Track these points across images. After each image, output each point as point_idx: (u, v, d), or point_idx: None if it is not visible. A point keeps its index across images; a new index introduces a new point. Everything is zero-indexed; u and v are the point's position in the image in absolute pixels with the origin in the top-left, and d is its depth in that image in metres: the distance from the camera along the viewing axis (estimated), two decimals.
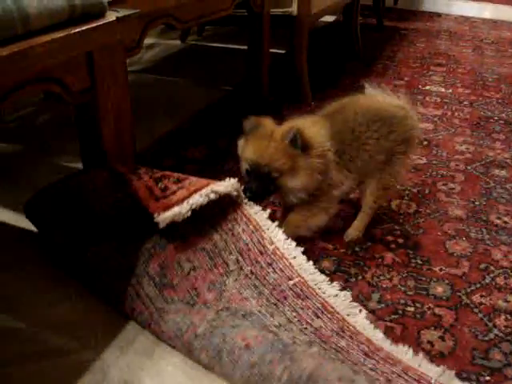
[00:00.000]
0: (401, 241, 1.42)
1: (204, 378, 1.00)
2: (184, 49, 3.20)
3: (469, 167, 1.84)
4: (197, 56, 3.12)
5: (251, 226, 1.15)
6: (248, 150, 1.24)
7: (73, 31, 0.94)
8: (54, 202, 1.30)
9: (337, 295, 1.09)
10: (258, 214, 1.18)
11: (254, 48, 2.10)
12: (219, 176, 1.65)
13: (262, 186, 1.23)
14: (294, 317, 1.05)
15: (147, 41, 2.04)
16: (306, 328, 1.03)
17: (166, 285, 1.12)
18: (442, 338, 1.11)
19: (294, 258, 1.13)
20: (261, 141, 1.22)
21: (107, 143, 1.16)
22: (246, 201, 1.19)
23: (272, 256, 1.12)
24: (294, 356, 0.92)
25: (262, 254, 1.13)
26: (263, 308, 1.07)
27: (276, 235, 1.15)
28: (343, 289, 1.16)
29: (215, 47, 3.28)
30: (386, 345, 1.01)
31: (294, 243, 1.15)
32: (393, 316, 1.17)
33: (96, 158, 1.19)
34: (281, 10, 2.14)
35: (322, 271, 1.28)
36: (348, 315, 1.06)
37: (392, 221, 1.51)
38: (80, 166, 1.34)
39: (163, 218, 1.10)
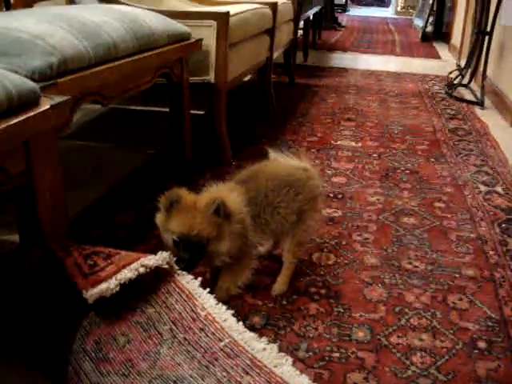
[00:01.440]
0: (323, 291, 1.54)
1: None
2: (105, 113, 3.27)
3: (380, 217, 2.01)
4: (118, 119, 3.20)
5: (184, 296, 1.20)
6: (174, 223, 1.31)
7: (12, 122, 1.01)
8: None
9: (264, 349, 1.14)
10: (189, 283, 1.23)
11: (176, 113, 2.21)
12: (151, 240, 1.75)
13: (193, 254, 1.30)
14: (224, 376, 1.09)
15: None
16: None
17: (101, 359, 1.15)
18: (366, 379, 1.22)
19: (225, 320, 1.18)
20: (186, 213, 1.30)
21: (43, 220, 1.21)
22: (178, 271, 1.24)
23: (204, 321, 1.17)
24: None
25: (194, 320, 1.17)
26: (194, 371, 1.11)
27: (207, 301, 1.20)
28: (273, 341, 1.25)
29: (136, 110, 3.37)
30: None
31: (224, 307, 1.20)
32: (320, 363, 1.27)
33: (33, 235, 1.24)
34: (199, 78, 2.27)
35: (253, 326, 1.37)
36: (275, 366, 1.11)
37: (314, 273, 1.63)
38: (13, 238, 1.38)
39: (90, 294, 1.13)
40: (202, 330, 1.17)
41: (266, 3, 3.00)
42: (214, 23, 2.21)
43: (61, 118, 1.18)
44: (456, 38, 6.29)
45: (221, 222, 1.30)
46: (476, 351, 1.32)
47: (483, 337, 1.37)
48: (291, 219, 1.48)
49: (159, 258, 1.20)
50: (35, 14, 1.54)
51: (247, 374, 1.10)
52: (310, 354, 1.30)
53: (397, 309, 1.47)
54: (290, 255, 1.53)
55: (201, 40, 2.14)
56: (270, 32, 3.13)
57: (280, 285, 1.53)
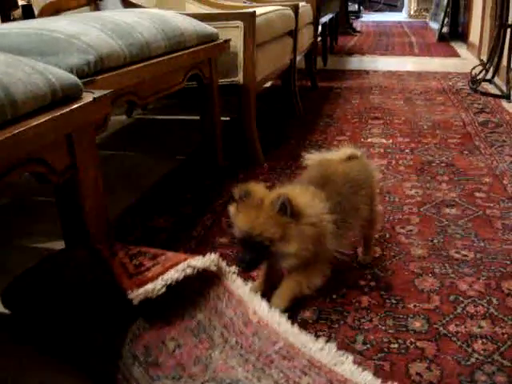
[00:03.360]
0: (373, 284, 1.49)
1: None
2: (131, 123, 3.28)
3: (421, 209, 1.96)
4: (145, 129, 3.20)
5: (234, 301, 1.17)
6: (239, 220, 1.25)
7: (57, 113, 0.99)
8: (34, 286, 1.28)
9: (322, 349, 1.09)
10: (240, 287, 1.19)
11: (206, 117, 2.19)
12: (189, 242, 1.72)
13: (255, 255, 1.25)
14: (282, 377, 1.04)
15: None
16: None
17: (151, 364, 1.11)
18: (428, 369, 1.17)
19: (279, 324, 1.13)
20: (251, 210, 1.22)
21: (89, 219, 1.19)
22: (228, 275, 1.21)
23: (256, 326, 1.13)
24: None
25: (246, 325, 1.13)
26: (250, 373, 1.06)
27: (260, 306, 1.16)
28: (327, 335, 1.22)
29: (161, 119, 3.38)
30: None
31: (277, 311, 1.16)
32: (380, 354, 1.22)
33: (78, 235, 1.22)
34: (228, 79, 2.25)
35: (305, 321, 1.33)
36: (335, 365, 1.06)
37: (361, 266, 1.58)
38: (51, 246, 1.35)
39: (136, 294, 1.10)
40: (254, 334, 1.12)
41: (287, 5, 2.99)
42: (240, 24, 2.19)
43: (102, 111, 1.17)
44: (474, 35, 6.21)
45: (288, 222, 1.22)
46: None
47: None
48: (367, 217, 1.47)
49: (207, 260, 1.16)
50: (67, 18, 1.53)
51: (306, 374, 1.05)
52: (368, 346, 1.25)
53: (451, 297, 1.42)
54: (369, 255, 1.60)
55: (229, 40, 2.13)
56: (293, 34, 3.12)
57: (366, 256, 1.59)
